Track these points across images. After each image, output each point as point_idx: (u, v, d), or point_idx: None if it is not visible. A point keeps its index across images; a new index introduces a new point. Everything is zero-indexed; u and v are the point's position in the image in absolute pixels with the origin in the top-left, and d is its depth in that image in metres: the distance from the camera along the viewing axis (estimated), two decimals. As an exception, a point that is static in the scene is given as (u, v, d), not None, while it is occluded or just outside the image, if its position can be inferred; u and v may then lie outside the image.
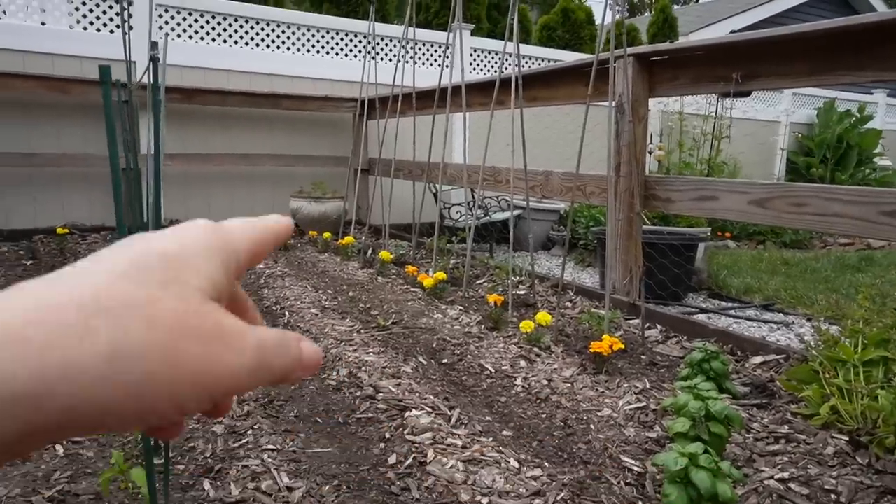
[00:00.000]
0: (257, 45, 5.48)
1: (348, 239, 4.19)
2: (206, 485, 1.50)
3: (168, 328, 0.22)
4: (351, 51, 5.89)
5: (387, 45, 6.01)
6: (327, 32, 5.75)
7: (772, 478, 1.47)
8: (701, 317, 3.39)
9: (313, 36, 5.70)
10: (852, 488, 1.40)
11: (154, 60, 1.59)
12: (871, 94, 10.01)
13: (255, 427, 1.76)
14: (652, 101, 7.72)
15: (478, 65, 6.53)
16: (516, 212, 4.91)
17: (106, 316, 0.21)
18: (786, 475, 1.47)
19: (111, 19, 4.90)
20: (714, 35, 9.28)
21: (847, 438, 1.61)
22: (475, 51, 6.47)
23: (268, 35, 5.51)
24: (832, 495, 1.39)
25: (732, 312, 3.69)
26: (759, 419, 1.81)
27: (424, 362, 2.24)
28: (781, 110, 8.78)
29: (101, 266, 0.23)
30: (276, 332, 0.27)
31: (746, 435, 1.71)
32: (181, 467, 1.58)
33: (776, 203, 2.49)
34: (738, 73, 2.66)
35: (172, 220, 5.15)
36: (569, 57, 6.62)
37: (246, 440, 1.69)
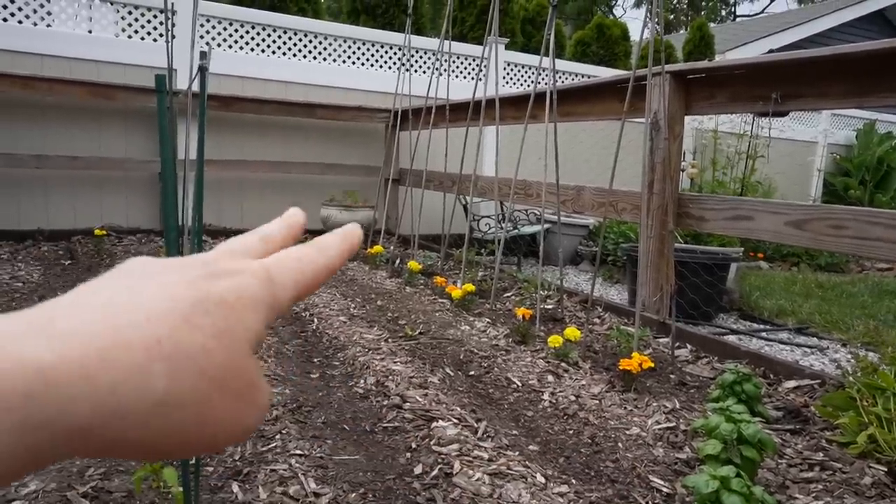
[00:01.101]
0: (294, 55, 5.58)
1: (377, 248, 4.22)
2: (235, 487, 1.52)
3: (212, 380, 0.23)
4: (386, 62, 5.95)
5: (421, 57, 6.07)
6: (363, 44, 5.83)
7: (806, 505, 1.43)
8: (732, 338, 3.33)
9: (349, 47, 5.78)
10: (890, 520, 1.36)
11: (203, 70, 1.63)
12: (914, 115, 9.79)
13: (284, 432, 1.78)
14: (686, 119, 7.65)
15: (511, 78, 6.55)
16: (545, 226, 4.89)
17: (167, 362, 0.22)
18: None
19: (154, 28, 5.04)
20: (750, 54, 9.18)
21: (886, 469, 1.57)
22: (508, 64, 6.49)
23: (305, 46, 5.61)
24: (869, 526, 1.35)
25: (764, 335, 3.62)
26: (792, 445, 1.77)
27: (451, 374, 2.24)
28: (819, 131, 8.63)
29: (163, 298, 0.24)
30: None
31: (779, 461, 1.68)
32: (210, 469, 1.60)
33: (814, 225, 2.45)
34: (776, 92, 2.63)
35: (206, 225, 5.24)
36: (603, 73, 6.61)
37: (274, 444, 1.71)
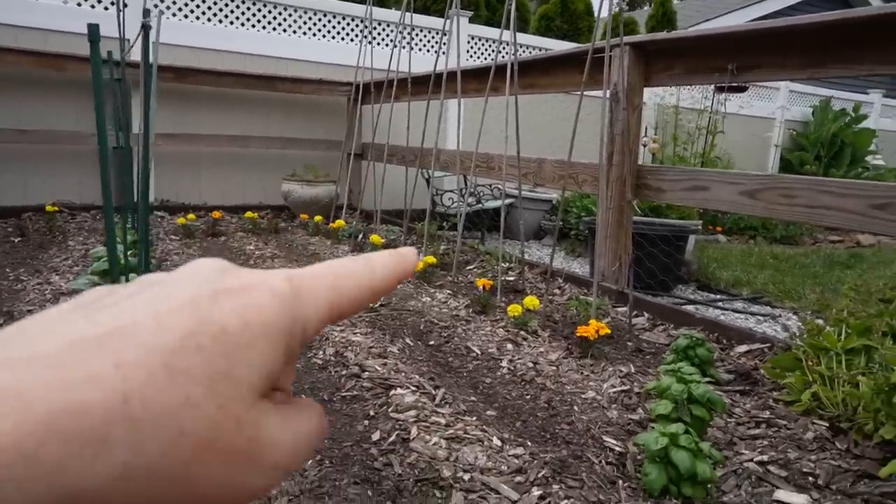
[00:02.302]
0: (253, 26, 5.44)
1: (339, 223, 4.18)
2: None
3: (193, 446, 0.18)
4: (348, 34, 5.85)
5: (384, 29, 5.98)
6: (324, 15, 5.71)
7: (751, 460, 1.48)
8: (689, 307, 3.40)
9: (310, 18, 5.66)
10: (830, 471, 1.42)
11: (145, 28, 1.58)
12: (867, 93, 10.04)
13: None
14: (648, 95, 7.68)
15: (475, 52, 6.50)
16: (508, 200, 4.91)
17: (131, 428, 0.17)
18: (765, 458, 1.49)
19: (105, -5, 4.85)
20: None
21: (827, 424, 1.63)
22: (472, 38, 6.44)
23: (264, 16, 5.47)
24: (810, 478, 1.40)
25: (720, 304, 3.71)
26: (741, 405, 1.82)
27: (411, 343, 2.25)
28: (777, 107, 8.80)
29: (148, 330, 0.19)
30: (299, 436, 0.22)
31: (728, 419, 1.72)
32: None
33: (767, 194, 2.50)
34: (732, 64, 2.66)
35: (163, 201, 5.13)
36: (566, 47, 6.61)
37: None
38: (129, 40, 4.52)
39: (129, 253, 2.11)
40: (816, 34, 2.34)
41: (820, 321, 2.06)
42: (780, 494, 1.35)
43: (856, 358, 1.66)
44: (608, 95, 2.88)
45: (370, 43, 4.64)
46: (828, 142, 8.35)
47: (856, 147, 8.35)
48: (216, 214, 4.43)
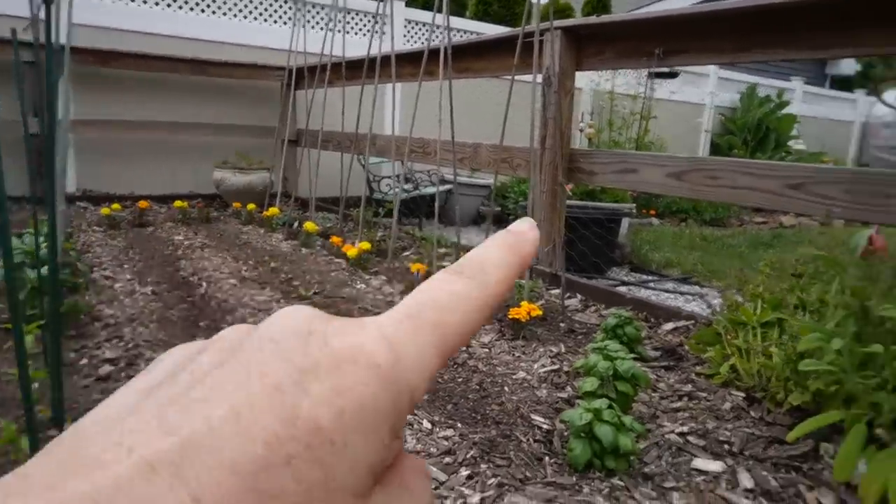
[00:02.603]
0: (180, 7, 5.24)
1: (273, 210, 4.09)
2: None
3: None
4: (280, 17, 5.70)
5: (318, 12, 5.85)
6: (255, -3, 5.55)
7: (672, 432, 1.53)
8: (621, 288, 3.49)
9: (241, 0, 5.49)
10: (744, 439, 1.48)
11: (47, 2, 1.48)
12: (790, 80, 10.48)
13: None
14: (584, 80, 7.78)
15: (412, 36, 6.45)
16: (447, 186, 4.91)
17: None
18: (685, 429, 1.54)
19: (16, -27, 4.57)
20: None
21: (744, 395, 1.69)
22: (409, 22, 6.38)
23: (191, -2, 5.27)
24: (726, 445, 1.46)
25: (652, 285, 3.82)
26: (665, 379, 1.88)
27: (344, 330, 2.22)
28: (707, 93, 9.09)
29: (224, 442, 0.15)
30: None
31: (653, 394, 1.77)
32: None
33: (692, 176, 2.58)
34: (660, 48, 2.72)
35: (85, 191, 4.90)
36: (501, 31, 6.63)
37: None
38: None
39: (42, 244, 2.00)
40: (738, 20, 2.41)
41: (739, 297, 2.14)
42: (697, 463, 1.39)
43: (770, 331, 1.73)
44: (540, 80, 2.90)
45: (303, 26, 4.54)
46: (754, 127, 8.69)
47: (779, 132, 8.71)
48: (143, 204, 4.27)
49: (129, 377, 1.87)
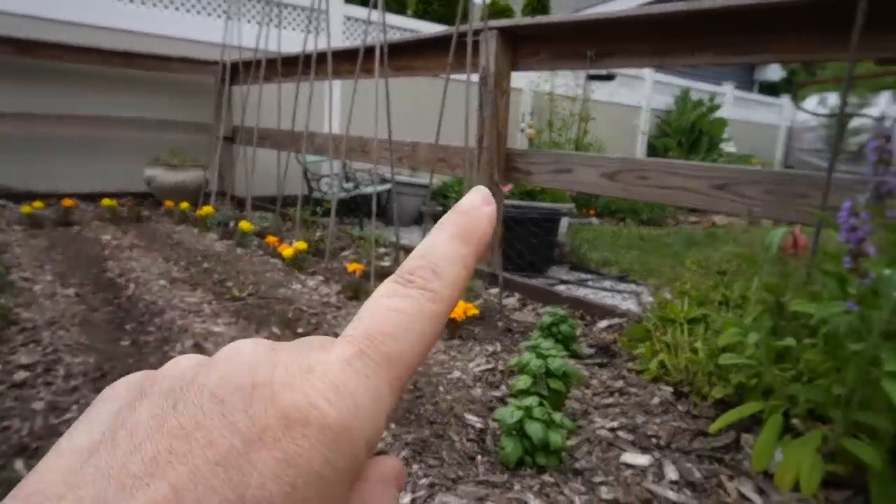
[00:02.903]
0: (108, -2, 5.02)
1: (207, 209, 3.97)
2: (19, 464, 1.37)
3: None
4: (214, 10, 5.54)
5: (254, 6, 5.72)
6: (188, -10, 5.37)
7: (603, 427, 1.55)
8: (560, 287, 3.54)
9: (173, -8, 5.30)
10: (671, 432, 1.51)
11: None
12: (721, 85, 10.89)
13: (82, 402, 1.63)
14: (524, 81, 7.86)
15: (352, 33, 6.38)
16: (387, 186, 4.88)
17: None
18: (615, 424, 1.57)
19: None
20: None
21: (672, 389, 1.74)
22: (349, 19, 6.31)
23: (120, -12, 5.06)
24: (654, 439, 1.49)
25: (590, 283, 3.89)
26: (598, 376, 1.91)
27: (278, 332, 2.17)
28: (643, 96, 9.34)
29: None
30: None
31: (586, 391, 1.80)
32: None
33: (624, 176, 2.63)
34: (592, 50, 2.77)
35: (3, 187, 4.65)
36: (440, 30, 6.63)
37: (70, 415, 1.56)
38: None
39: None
40: (663, 24, 2.48)
41: (668, 295, 2.20)
42: (626, 457, 1.42)
43: (696, 326, 1.78)
44: (476, 79, 2.91)
45: (238, 20, 4.42)
46: (688, 129, 8.98)
47: (712, 134, 9.04)
48: (68, 202, 4.07)
49: (47, 384, 1.78)
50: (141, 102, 5.23)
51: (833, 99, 7.15)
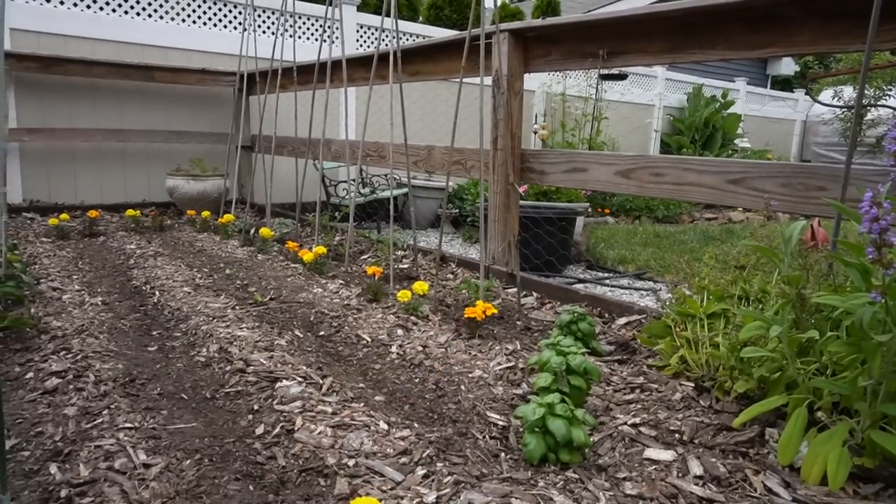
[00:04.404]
0: (126, 12, 5.11)
1: (228, 217, 4.03)
2: (53, 468, 1.41)
3: None
4: (230, 22, 5.62)
5: (269, 17, 5.79)
6: (204, 2, 5.45)
7: (625, 423, 1.56)
8: (577, 285, 3.55)
9: (189, 4, 5.39)
10: (694, 427, 1.52)
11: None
12: (734, 81, 10.81)
13: (112, 407, 1.66)
14: (536, 83, 7.87)
15: (365, 41, 6.44)
16: (404, 189, 4.91)
17: None
18: (637, 420, 1.57)
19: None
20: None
21: (693, 384, 1.74)
22: (362, 27, 6.37)
23: (138, 2, 5.14)
24: (677, 434, 1.50)
25: (607, 282, 3.89)
26: (619, 373, 1.92)
27: (301, 335, 2.20)
28: (655, 94, 9.30)
29: None
30: None
31: (606, 387, 1.81)
32: (26, 453, 1.47)
33: (638, 174, 2.64)
34: (603, 49, 2.78)
35: (32, 201, 4.75)
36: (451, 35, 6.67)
37: (100, 420, 1.60)
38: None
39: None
40: (675, 21, 2.48)
41: (687, 290, 2.20)
42: (649, 452, 1.43)
43: (716, 321, 1.79)
44: (490, 82, 2.93)
45: (254, 31, 4.49)
46: (701, 126, 8.93)
47: (725, 131, 8.98)
48: (93, 213, 4.15)
49: (78, 389, 1.82)
50: (161, 114, 5.32)
51: (848, 92, 7.07)
